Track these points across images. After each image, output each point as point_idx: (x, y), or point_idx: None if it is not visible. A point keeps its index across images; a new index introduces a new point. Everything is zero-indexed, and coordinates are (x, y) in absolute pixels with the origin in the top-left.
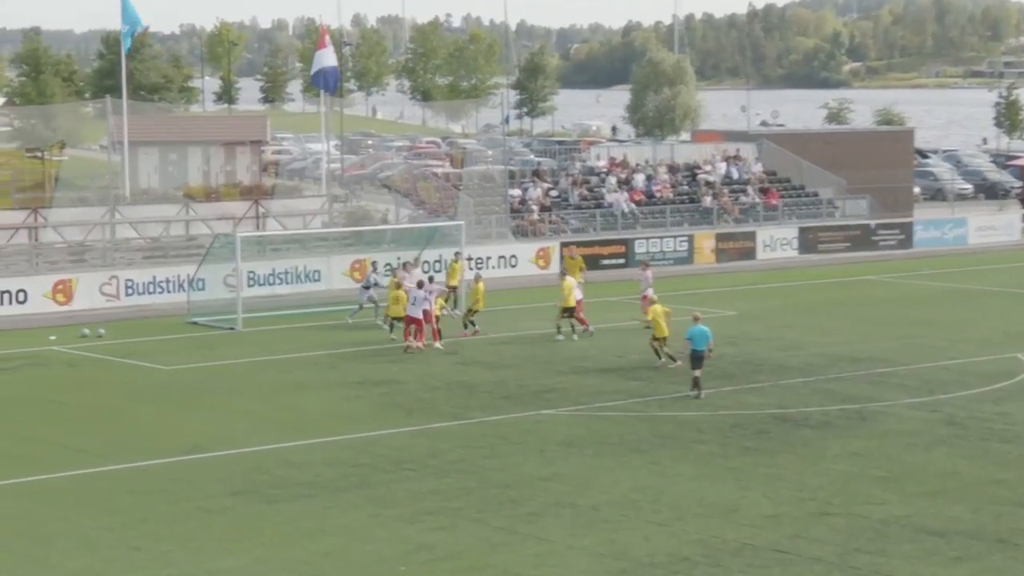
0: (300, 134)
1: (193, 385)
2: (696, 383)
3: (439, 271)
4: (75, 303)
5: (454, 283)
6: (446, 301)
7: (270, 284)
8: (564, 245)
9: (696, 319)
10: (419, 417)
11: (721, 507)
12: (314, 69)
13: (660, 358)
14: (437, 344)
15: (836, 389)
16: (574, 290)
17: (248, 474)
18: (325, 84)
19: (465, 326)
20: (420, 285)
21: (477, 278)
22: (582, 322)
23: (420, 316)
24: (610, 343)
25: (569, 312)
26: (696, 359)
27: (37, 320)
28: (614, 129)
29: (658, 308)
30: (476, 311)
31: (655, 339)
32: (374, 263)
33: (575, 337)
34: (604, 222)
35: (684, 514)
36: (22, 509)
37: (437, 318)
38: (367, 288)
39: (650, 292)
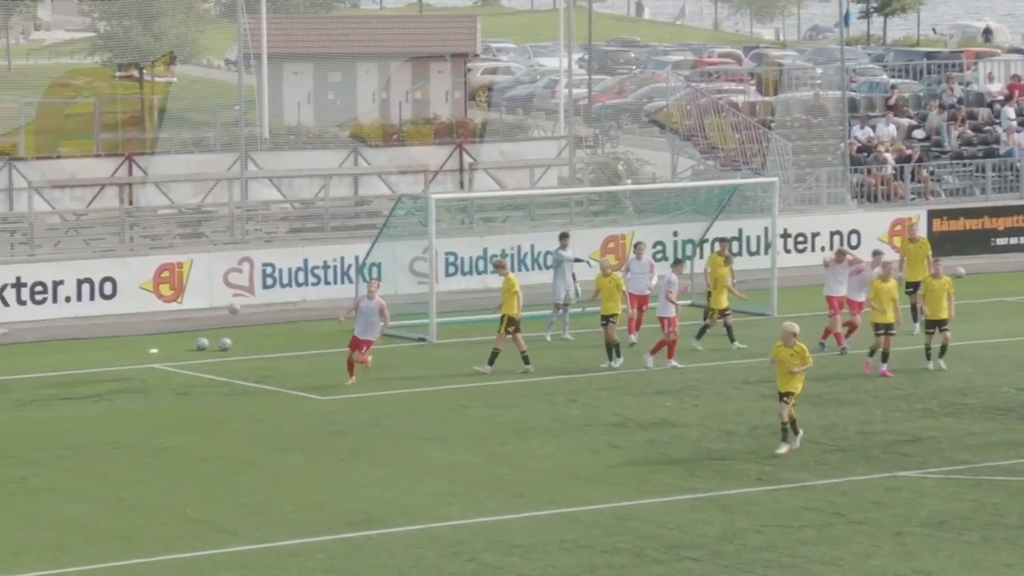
0: (527, 44)
1: (363, 425)
2: None
3: (737, 253)
4: (188, 299)
5: (723, 307)
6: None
7: (479, 272)
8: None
9: None
10: (706, 479)
11: None
12: None
13: (790, 438)
14: (673, 362)
15: None
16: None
17: (445, 560)
18: None
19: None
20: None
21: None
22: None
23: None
24: (1006, 369)
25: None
26: None
27: (131, 323)
28: (987, 33)
29: (806, 348)
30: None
31: (785, 395)
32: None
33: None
34: (999, 180)
35: None
36: None
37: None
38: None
39: None
